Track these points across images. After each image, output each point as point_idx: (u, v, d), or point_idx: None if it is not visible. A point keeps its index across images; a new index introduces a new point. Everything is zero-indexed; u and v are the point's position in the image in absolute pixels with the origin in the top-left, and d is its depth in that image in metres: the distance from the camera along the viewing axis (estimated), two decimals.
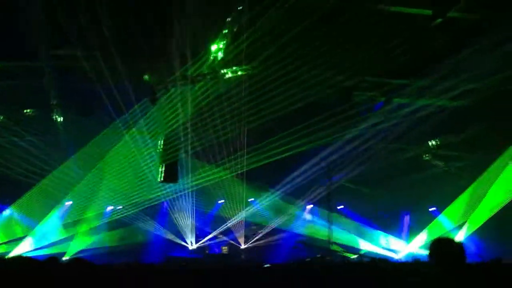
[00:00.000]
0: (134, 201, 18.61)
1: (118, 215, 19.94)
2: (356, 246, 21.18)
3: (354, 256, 19.48)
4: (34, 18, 10.87)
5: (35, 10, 10.76)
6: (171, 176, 15.37)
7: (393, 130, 15.23)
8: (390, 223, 21.21)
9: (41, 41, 11.76)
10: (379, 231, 21.45)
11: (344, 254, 19.96)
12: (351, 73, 12.94)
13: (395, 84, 13.67)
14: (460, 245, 4.07)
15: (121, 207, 19.98)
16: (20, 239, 19.57)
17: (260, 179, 18.98)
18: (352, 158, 16.84)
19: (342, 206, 21.30)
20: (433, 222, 20.33)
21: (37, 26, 11.11)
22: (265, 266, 11.05)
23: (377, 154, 17.00)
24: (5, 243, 19.71)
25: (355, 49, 11.63)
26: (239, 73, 13.23)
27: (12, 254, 18.17)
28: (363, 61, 12.29)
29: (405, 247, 21.09)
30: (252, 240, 21.47)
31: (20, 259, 4.50)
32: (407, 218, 21.14)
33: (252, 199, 20.71)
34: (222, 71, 13.23)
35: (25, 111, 14.93)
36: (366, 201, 20.26)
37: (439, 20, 11.13)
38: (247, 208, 20.43)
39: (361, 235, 21.52)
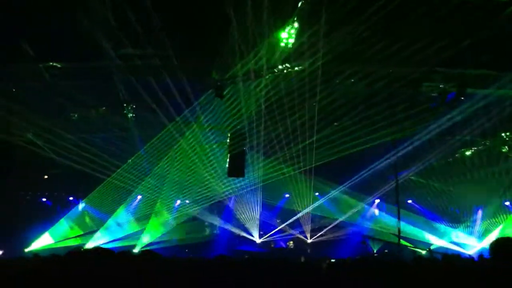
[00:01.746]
0: (201, 195, 18.90)
1: (186, 209, 20.32)
2: (425, 241, 20.61)
3: (424, 252, 18.95)
4: (102, 18, 11.13)
5: (102, 10, 11.03)
6: (237, 170, 15.44)
7: (466, 122, 14.63)
8: (462, 218, 20.47)
9: (108, 41, 12.06)
10: (449, 226, 20.77)
11: (413, 249, 19.48)
12: (421, 64, 12.51)
13: (467, 74, 13.09)
14: None
15: (188, 201, 20.37)
16: (93, 232, 20.33)
17: (327, 173, 18.78)
18: (421, 151, 16.34)
19: (410, 201, 20.75)
20: (508, 217, 19.48)
21: (105, 26, 11.38)
22: (331, 261, 10.91)
23: (448, 147, 16.41)
24: (79, 236, 20.54)
25: (426, 38, 11.22)
26: (302, 67, 13.07)
27: (86, 247, 18.88)
28: (435, 52, 11.85)
29: (477, 243, 20.31)
30: (319, 235, 21.32)
31: (97, 250, 4.62)
32: (479, 213, 20.31)
33: (318, 193, 20.52)
34: (289, 65, 13.11)
35: (98, 109, 15.42)
36: (436, 196, 19.61)
37: None
38: (313, 203, 20.29)
39: (431, 230, 20.92)
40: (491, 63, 12.54)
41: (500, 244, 4.02)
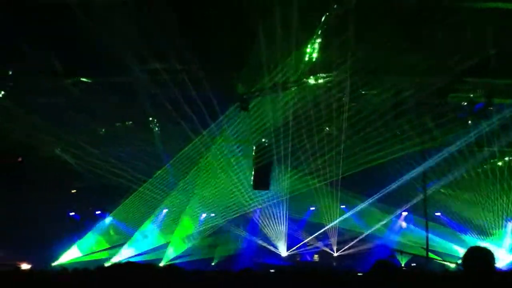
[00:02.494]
0: (227, 208, 18.91)
1: (212, 223, 20.34)
2: (454, 254, 20.21)
3: (453, 265, 18.57)
4: (127, 34, 11.26)
5: (129, 27, 11.16)
6: (263, 183, 15.46)
7: (495, 133, 14.39)
8: (491, 230, 20.03)
9: (134, 56, 12.21)
10: (478, 239, 20.33)
11: (442, 262, 19.12)
12: (448, 74, 12.38)
13: (495, 84, 12.90)
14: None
15: (213, 214, 20.39)
16: (120, 246, 20.46)
17: (354, 186, 18.64)
18: (450, 162, 16.11)
19: (439, 213, 20.41)
20: None
21: (130, 42, 11.53)
22: (359, 274, 10.77)
23: (477, 158, 16.13)
24: (106, 249, 20.69)
25: (452, 49, 11.12)
26: (328, 78, 13.05)
27: (113, 260, 19.00)
28: (461, 61, 11.72)
29: (507, 255, 19.83)
30: (345, 248, 21.10)
31: (126, 265, 4.63)
32: (509, 225, 19.86)
33: (344, 206, 20.34)
34: (312, 78, 13.11)
35: (124, 123, 15.60)
36: (465, 208, 19.25)
37: None
38: (339, 215, 20.14)
39: (460, 242, 20.51)
40: None
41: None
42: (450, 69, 11.90)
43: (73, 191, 20.43)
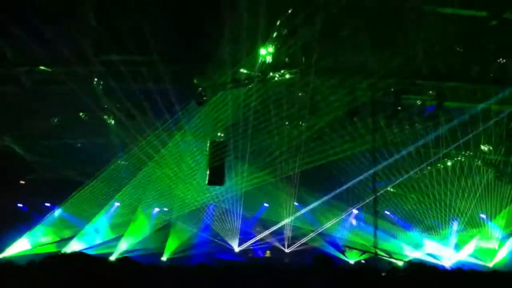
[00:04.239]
0: (181, 203, 18.84)
1: (164, 217, 20.23)
2: (402, 252, 20.80)
3: (400, 263, 19.10)
4: (86, 24, 11.08)
5: (87, 15, 10.99)
6: (217, 179, 15.44)
7: (444, 135, 14.89)
8: (438, 229, 20.70)
9: (92, 46, 12.01)
10: (426, 238, 20.99)
11: (390, 260, 19.61)
12: (401, 76, 12.73)
13: (446, 87, 13.35)
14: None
15: (166, 209, 20.28)
16: (69, 239, 20.07)
17: (309, 184, 18.92)
18: (400, 163, 16.57)
19: (388, 212, 20.94)
20: (482, 229, 19.80)
21: (88, 32, 11.35)
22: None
23: (426, 159, 16.66)
24: (55, 242, 20.25)
25: (407, 51, 11.44)
26: (287, 76, 13.18)
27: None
28: (414, 64, 12.08)
29: (453, 254, 20.57)
30: (297, 244, 21.37)
31: (76, 255, 4.57)
32: (455, 224, 20.59)
33: (298, 203, 20.60)
34: (270, 74, 13.20)
35: (79, 114, 15.27)
36: (414, 207, 19.83)
37: (495, 21, 10.85)
38: (293, 212, 20.39)
39: (408, 241, 21.12)
40: (472, 77, 12.83)
41: None
42: (403, 71, 12.24)
43: (21, 182, 19.88)
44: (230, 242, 21.32)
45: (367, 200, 19.13)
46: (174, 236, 20.98)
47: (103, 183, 17.97)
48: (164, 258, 20.69)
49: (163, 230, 20.97)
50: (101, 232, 20.48)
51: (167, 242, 20.94)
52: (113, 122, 15.21)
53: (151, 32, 11.42)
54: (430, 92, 13.47)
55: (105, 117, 15.08)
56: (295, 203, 20.53)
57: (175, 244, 21.05)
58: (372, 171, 16.16)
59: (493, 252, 19.82)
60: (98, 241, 20.35)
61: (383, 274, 7.70)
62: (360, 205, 19.97)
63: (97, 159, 16.67)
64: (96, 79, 13.42)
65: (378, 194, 17.82)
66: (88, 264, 4.27)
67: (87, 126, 15.54)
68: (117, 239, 20.48)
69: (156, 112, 14.34)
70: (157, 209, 20.64)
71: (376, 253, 16.54)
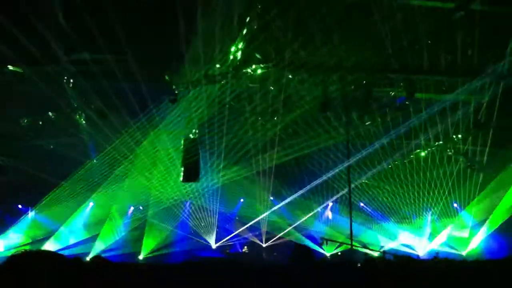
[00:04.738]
0: (156, 200, 18.77)
1: (141, 215, 20.13)
2: (378, 243, 21.07)
3: (376, 254, 19.35)
4: (55, 23, 10.93)
5: (55, 14, 10.83)
6: (192, 175, 15.43)
7: (415, 126, 15.12)
8: (412, 220, 21.03)
9: (61, 46, 11.84)
10: (400, 228, 21.31)
11: (366, 251, 19.87)
12: (372, 69, 12.87)
13: (417, 79, 13.53)
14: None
15: (142, 207, 20.18)
16: (44, 240, 19.81)
17: (284, 178, 19.02)
18: (373, 155, 16.78)
19: (363, 204, 21.18)
20: (455, 218, 20.16)
21: (57, 31, 11.19)
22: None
23: (399, 150, 16.90)
24: (29, 244, 19.97)
25: (375, 44, 11.56)
26: (259, 71, 13.21)
27: None
28: (384, 57, 12.22)
29: (427, 244, 20.92)
30: (274, 239, 21.48)
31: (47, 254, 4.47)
32: (429, 215, 20.94)
33: (274, 198, 20.70)
34: (243, 70, 13.23)
35: (49, 113, 15.06)
36: (388, 198, 20.10)
37: (461, 13, 11.01)
38: (269, 207, 20.49)
39: (383, 232, 21.41)
40: (441, 70, 13.04)
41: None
42: (373, 64, 12.39)
43: None
44: (207, 239, 21.31)
45: (342, 193, 19.32)
46: (150, 235, 20.89)
47: (76, 183, 17.80)
48: (141, 257, 20.60)
49: (139, 229, 20.87)
50: (76, 233, 20.29)
51: (143, 241, 20.84)
52: (84, 121, 15.03)
53: (122, 29, 11.30)
54: (401, 84, 13.62)
55: (77, 116, 14.90)
56: (271, 198, 20.61)
57: (152, 242, 20.97)
58: (346, 163, 16.31)
59: (466, 241, 20.22)
60: (73, 242, 20.14)
61: (358, 265, 7.78)
62: (335, 197, 20.15)
63: (70, 160, 16.45)
64: (66, 78, 13.23)
65: (353, 186, 17.99)
66: (61, 263, 4.17)
67: (57, 126, 15.34)
68: (93, 239, 20.31)
69: (129, 110, 14.24)
70: (132, 208, 20.51)
71: (352, 245, 16.74)
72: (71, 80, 13.28)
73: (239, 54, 12.74)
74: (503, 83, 12.69)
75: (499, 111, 13.98)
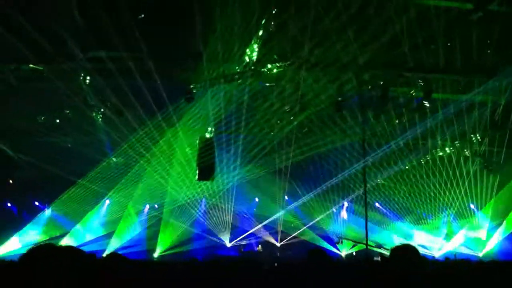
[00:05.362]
0: (172, 199, 18.84)
1: (156, 213, 20.23)
2: (393, 244, 20.91)
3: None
4: (71, 20, 11.00)
5: (71, 12, 10.91)
6: (206, 174, 15.48)
7: (431, 126, 15.00)
8: (428, 220, 20.86)
9: (77, 43, 11.93)
10: (416, 229, 21.15)
11: (380, 251, 19.76)
12: (387, 67, 12.80)
13: (434, 79, 13.42)
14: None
15: (157, 206, 20.28)
16: (60, 237, 19.98)
17: (300, 178, 19.00)
18: (390, 155, 16.68)
19: (378, 204, 21.06)
20: (471, 219, 19.96)
21: (74, 28, 11.26)
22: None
23: (416, 151, 16.78)
24: (45, 241, 20.14)
25: (390, 42, 11.47)
26: (276, 70, 13.21)
27: None
28: (399, 55, 12.13)
29: (443, 244, 20.72)
30: (288, 238, 21.46)
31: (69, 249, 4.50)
32: (445, 215, 20.75)
33: (289, 197, 20.68)
34: (259, 70, 13.23)
35: (65, 111, 15.19)
36: (404, 198, 19.97)
37: (479, 13, 10.90)
38: (284, 206, 20.48)
39: (399, 232, 21.26)
40: (458, 69, 12.91)
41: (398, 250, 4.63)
42: (390, 64, 12.31)
43: (10, 181, 19.74)
44: (221, 237, 21.34)
45: (358, 193, 19.24)
46: (165, 233, 20.97)
47: (93, 181, 17.92)
48: (155, 255, 20.69)
49: (154, 227, 20.96)
50: (92, 230, 20.44)
51: (158, 239, 20.93)
52: (101, 119, 15.13)
53: (139, 27, 11.36)
54: (417, 84, 13.52)
55: (93, 114, 15.01)
56: (286, 197, 20.59)
57: (167, 240, 21.04)
58: (362, 163, 16.24)
59: (482, 242, 20.00)
60: (89, 239, 20.29)
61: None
62: (351, 197, 20.07)
63: (86, 158, 16.56)
64: (82, 76, 13.32)
65: (369, 186, 17.90)
66: (78, 257, 4.20)
67: (74, 124, 15.47)
68: (108, 236, 20.44)
69: (146, 109, 14.32)
70: (148, 206, 20.62)
71: (367, 245, 16.66)
72: (88, 78, 13.35)
73: (255, 54, 12.76)
74: None
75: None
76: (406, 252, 4.66)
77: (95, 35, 11.64)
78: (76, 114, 15.18)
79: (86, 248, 19.27)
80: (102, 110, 14.77)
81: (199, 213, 21.17)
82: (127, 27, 11.09)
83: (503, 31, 11.35)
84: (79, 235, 20.15)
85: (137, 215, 20.57)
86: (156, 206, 20.37)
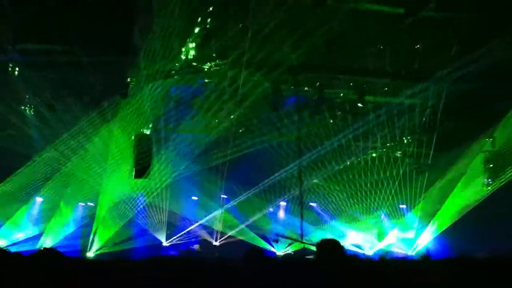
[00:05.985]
0: (107, 197, 18.47)
1: (90, 212, 19.79)
2: None
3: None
4: (2, 13, 10.69)
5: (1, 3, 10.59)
6: (143, 172, 15.32)
7: (365, 128, 15.43)
8: (362, 220, 21.39)
9: (9, 36, 11.58)
10: (350, 228, 21.62)
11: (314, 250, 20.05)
12: (322, 71, 13.09)
13: (367, 82, 13.84)
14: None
15: (91, 204, 19.83)
16: None
17: (238, 177, 19.06)
18: (323, 155, 17.01)
19: (314, 204, 21.41)
20: (402, 219, 20.63)
21: (5, 21, 10.94)
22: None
23: (347, 151, 17.20)
24: None
25: (328, 46, 11.76)
26: (214, 69, 13.26)
27: None
28: (336, 59, 12.44)
29: (375, 244, 21.32)
30: (226, 236, 21.48)
31: None
32: (377, 215, 21.36)
33: (226, 196, 20.69)
34: (197, 68, 13.25)
35: None
36: (338, 199, 20.39)
37: (411, 19, 11.34)
38: (223, 205, 20.50)
39: (333, 231, 21.67)
40: (389, 73, 13.38)
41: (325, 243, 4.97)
42: (325, 66, 12.60)
43: None
44: (158, 236, 21.12)
45: (294, 192, 19.50)
46: (100, 231, 20.50)
47: (23, 178, 17.33)
48: (90, 254, 20.22)
49: (88, 225, 20.46)
50: (22, 229, 19.74)
51: (92, 238, 20.45)
52: (32, 114, 14.68)
53: (75, 21, 11.14)
54: (351, 85, 13.92)
55: (23, 108, 14.54)
56: (224, 196, 20.61)
57: (101, 239, 20.60)
58: (297, 162, 16.50)
59: (412, 241, 20.71)
60: (19, 238, 19.60)
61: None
62: (287, 197, 20.33)
63: (15, 154, 15.99)
64: (11, 68, 12.90)
65: (304, 186, 18.21)
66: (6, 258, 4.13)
67: (2, 118, 14.92)
68: (40, 235, 19.82)
69: (80, 104, 14.02)
70: (81, 204, 20.14)
71: (303, 243, 16.94)
72: (17, 70, 12.95)
73: (194, 51, 12.76)
74: (446, 87, 13.10)
75: (443, 114, 14.43)
76: (330, 244, 4.86)
77: (27, 27, 11.34)
78: (4, 108, 14.65)
79: (15, 248, 18.64)
80: (33, 104, 14.33)
81: (135, 211, 20.84)
82: (61, 19, 10.86)
83: (434, 36, 11.86)
84: (10, 234, 19.43)
85: (70, 213, 20.03)
86: (90, 204, 19.91)
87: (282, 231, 21.55)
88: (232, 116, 15.22)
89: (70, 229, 20.20)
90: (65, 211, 19.76)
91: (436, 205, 19.06)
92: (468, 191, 17.89)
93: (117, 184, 17.83)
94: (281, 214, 22.36)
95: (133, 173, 15.44)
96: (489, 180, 17.24)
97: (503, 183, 16.75)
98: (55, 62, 12.39)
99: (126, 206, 20.18)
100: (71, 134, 15.48)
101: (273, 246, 21.54)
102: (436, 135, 15.73)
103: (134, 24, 11.83)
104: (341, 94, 14.34)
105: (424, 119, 15.04)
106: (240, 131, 15.96)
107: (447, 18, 11.75)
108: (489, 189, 17.27)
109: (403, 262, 8.73)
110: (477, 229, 17.22)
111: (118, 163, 16.93)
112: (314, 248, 17.68)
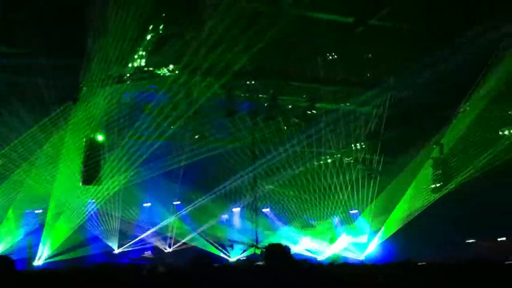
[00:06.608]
0: (56, 204, 18.04)
1: (39, 220, 19.28)
2: None
3: None
4: None
5: None
6: (92, 178, 15.01)
7: (317, 134, 15.67)
8: (315, 225, 21.65)
9: None
10: (304, 233, 21.84)
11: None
12: (277, 78, 13.23)
13: (318, 89, 14.07)
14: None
15: (40, 211, 19.32)
16: None
17: (190, 182, 18.98)
18: (277, 160, 17.16)
19: (267, 209, 21.55)
20: (354, 224, 21.00)
21: None
22: None
23: (301, 157, 17.40)
24: None
25: (280, 53, 11.90)
26: (166, 74, 13.21)
27: None
28: (288, 66, 12.60)
29: (327, 249, 21.60)
30: (179, 243, 21.33)
31: None
32: (329, 221, 21.65)
33: (180, 202, 20.57)
34: (149, 72, 13.17)
35: None
36: (292, 204, 20.60)
37: (361, 27, 11.60)
38: (176, 211, 20.35)
39: (287, 237, 21.83)
40: (340, 80, 13.65)
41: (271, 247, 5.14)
42: (277, 73, 12.75)
43: None
44: (109, 244, 20.75)
45: (248, 198, 19.57)
46: (48, 239, 19.98)
47: None
48: (37, 263, 19.67)
49: (36, 233, 19.90)
50: None
51: (40, 246, 19.91)
52: None
53: (24, 23, 10.90)
54: (303, 93, 14.12)
55: None
56: (177, 202, 20.49)
57: (50, 247, 20.08)
58: (251, 168, 16.60)
59: (363, 246, 21.10)
60: None
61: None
62: (242, 203, 20.38)
63: None
64: None
65: (258, 191, 18.31)
66: None
67: None
68: None
69: (30, 109, 13.68)
70: (29, 212, 19.59)
71: (256, 248, 17.01)
72: None
73: (146, 57, 12.69)
74: (394, 95, 13.47)
75: (392, 121, 14.82)
76: (277, 249, 4.95)
77: None
78: None
79: None
80: None
81: (85, 219, 20.40)
82: (7, 20, 10.62)
83: (384, 44, 12.18)
84: None
85: (18, 221, 19.45)
86: (38, 211, 19.38)
87: (237, 237, 21.59)
88: (185, 122, 15.16)
89: (17, 237, 19.63)
90: (13, 219, 19.19)
91: (386, 210, 19.47)
92: (416, 197, 18.37)
93: (67, 190, 17.44)
94: (236, 220, 22.39)
95: (82, 179, 15.10)
96: (437, 185, 17.70)
97: (450, 189, 17.30)
98: (1, 64, 12.03)
99: (76, 213, 19.74)
100: (20, 140, 15.07)
101: (228, 252, 21.53)
102: (385, 142, 16.11)
103: (87, 28, 11.66)
104: (294, 101, 14.51)
105: (373, 125, 15.38)
106: (196, 137, 15.84)
107: (396, 27, 12.07)
108: (436, 195, 17.76)
109: (351, 266, 8.95)
110: (421, 234, 17.73)
111: (69, 169, 16.57)
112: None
